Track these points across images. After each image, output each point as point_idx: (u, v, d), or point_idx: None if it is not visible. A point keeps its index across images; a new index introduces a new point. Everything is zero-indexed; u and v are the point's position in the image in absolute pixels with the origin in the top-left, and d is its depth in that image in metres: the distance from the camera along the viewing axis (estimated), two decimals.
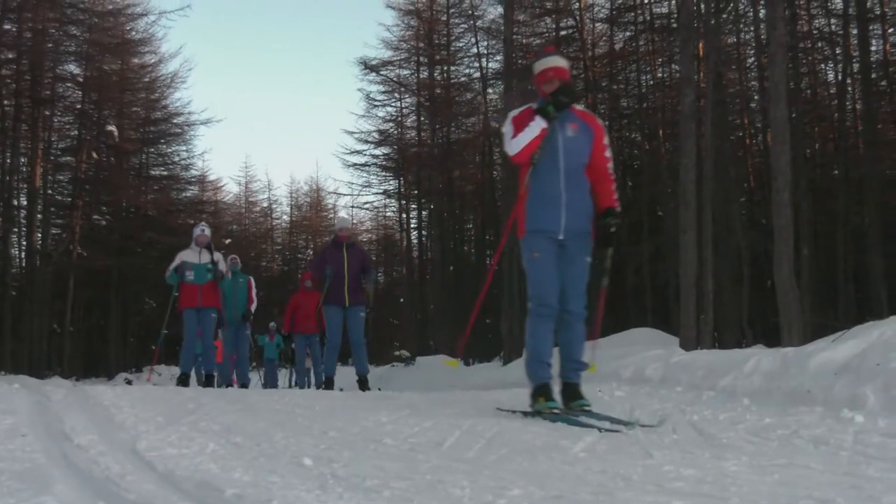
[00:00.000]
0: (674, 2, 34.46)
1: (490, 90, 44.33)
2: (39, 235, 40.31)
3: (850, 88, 32.40)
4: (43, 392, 8.76)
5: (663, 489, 3.99)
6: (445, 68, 47.23)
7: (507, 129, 7.34)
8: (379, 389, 15.46)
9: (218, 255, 15.21)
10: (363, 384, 14.20)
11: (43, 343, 38.18)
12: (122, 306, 44.57)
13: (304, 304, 18.90)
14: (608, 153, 7.47)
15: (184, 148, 49.21)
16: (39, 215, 39.65)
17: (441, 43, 47.30)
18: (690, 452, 5.08)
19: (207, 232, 15.24)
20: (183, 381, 14.74)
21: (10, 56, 37.51)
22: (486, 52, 44.96)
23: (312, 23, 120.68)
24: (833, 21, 33.50)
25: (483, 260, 49.64)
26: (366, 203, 51.83)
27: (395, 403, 8.18)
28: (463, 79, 47.19)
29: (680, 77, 22.15)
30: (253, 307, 18.06)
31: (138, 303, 46.29)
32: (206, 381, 15.75)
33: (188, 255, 14.98)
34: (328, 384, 14.35)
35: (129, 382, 31.07)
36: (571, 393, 7.25)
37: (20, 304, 38.05)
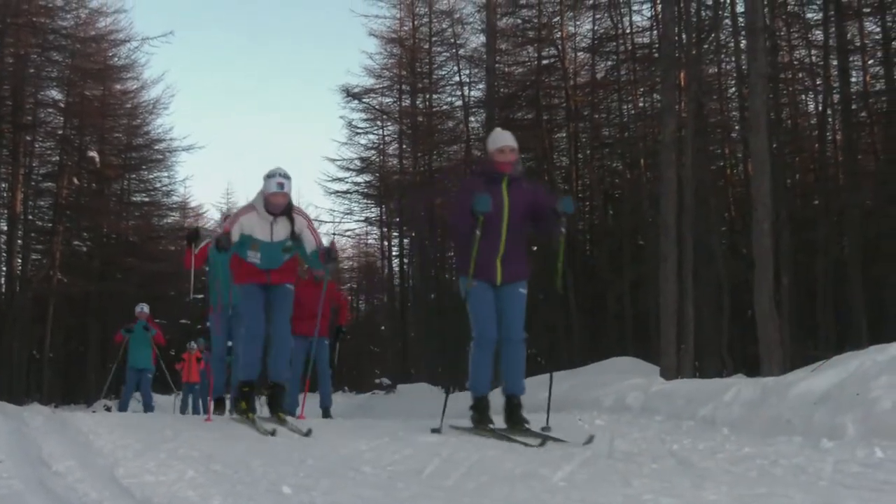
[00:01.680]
0: (655, 32, 34.61)
1: (472, 118, 44.32)
2: (19, 261, 40.16)
3: (830, 119, 32.52)
4: (21, 418, 8.72)
5: None
6: (428, 96, 47.25)
7: None
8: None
9: (301, 223, 9.20)
10: (515, 412, 8.28)
11: (22, 369, 37.98)
12: (102, 333, 44.42)
13: (304, 298, 12.51)
14: None
15: (165, 174, 49.08)
16: (19, 241, 39.52)
17: (423, 71, 47.34)
18: (670, 482, 5.08)
19: (288, 188, 9.02)
20: (247, 396, 9.28)
21: None
22: (468, 80, 45.01)
23: (295, 50, 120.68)
24: (814, 52, 33.65)
25: None
26: (347, 230, 51.72)
27: (374, 431, 8.16)
28: (445, 107, 47.17)
29: (661, 107, 22.23)
30: None
31: (118, 329, 45.96)
32: (273, 394, 9.39)
33: (254, 225, 9.07)
34: (480, 409, 8.45)
35: (108, 409, 30.85)
36: None
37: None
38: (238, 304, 9.45)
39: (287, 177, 9.05)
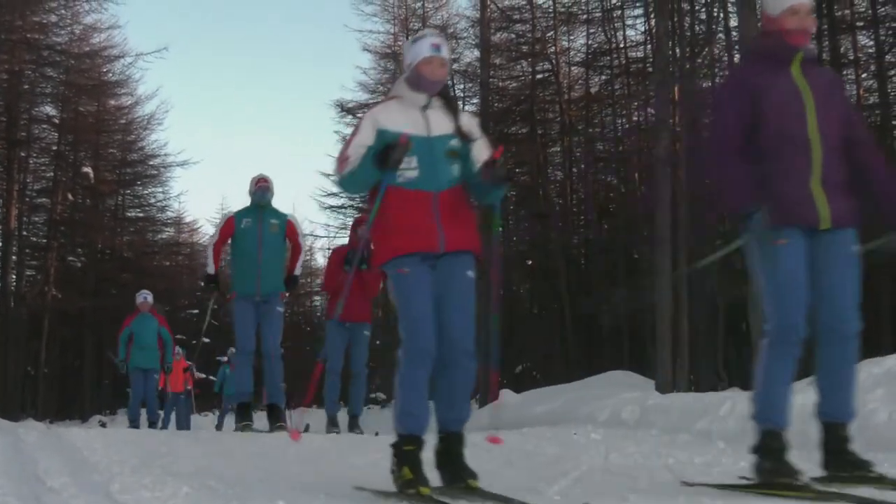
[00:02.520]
0: (649, 46, 34.68)
1: None
2: (14, 277, 40.09)
3: None
4: (16, 434, 8.70)
5: None
6: None
7: None
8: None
9: (470, 120, 5.47)
10: (844, 449, 5.19)
11: (17, 385, 37.90)
12: (97, 348, 44.32)
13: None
14: None
15: (160, 189, 49.03)
16: (14, 257, 39.46)
17: None
18: (666, 496, 5.08)
19: (447, 54, 5.37)
20: (414, 460, 5.21)
21: None
22: (462, 94, 45.03)
23: (289, 65, 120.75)
24: None
25: None
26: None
27: (370, 446, 8.14)
28: None
29: (655, 121, 22.27)
30: (298, 267, 11.38)
31: (114, 345, 45.75)
32: (449, 449, 5.43)
33: (397, 117, 5.27)
34: (774, 452, 5.05)
35: (103, 425, 30.74)
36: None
37: None
38: (397, 296, 5.26)
39: (444, 40, 5.49)
